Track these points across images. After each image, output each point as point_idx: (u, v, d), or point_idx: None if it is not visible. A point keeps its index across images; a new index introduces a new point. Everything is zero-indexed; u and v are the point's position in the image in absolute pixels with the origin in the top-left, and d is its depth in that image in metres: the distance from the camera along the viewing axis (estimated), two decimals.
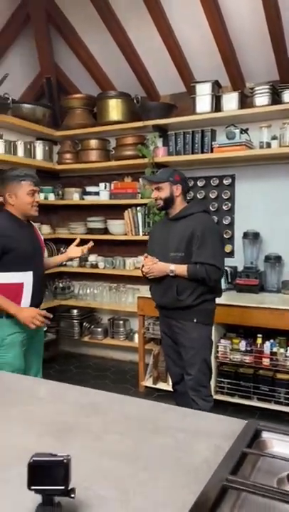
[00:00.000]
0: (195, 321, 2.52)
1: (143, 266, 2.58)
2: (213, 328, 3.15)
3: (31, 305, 2.38)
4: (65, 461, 0.76)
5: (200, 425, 1.13)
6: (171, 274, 2.47)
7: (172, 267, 2.48)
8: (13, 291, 2.31)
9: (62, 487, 0.75)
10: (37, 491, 0.75)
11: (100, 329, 4.38)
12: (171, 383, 2.92)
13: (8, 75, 3.54)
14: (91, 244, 2.75)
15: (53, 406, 1.25)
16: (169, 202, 2.57)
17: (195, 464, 0.95)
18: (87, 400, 1.30)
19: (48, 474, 0.75)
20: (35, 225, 2.69)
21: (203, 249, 2.44)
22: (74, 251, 2.73)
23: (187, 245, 2.47)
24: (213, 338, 3.18)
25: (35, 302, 2.42)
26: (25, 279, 2.35)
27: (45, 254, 2.72)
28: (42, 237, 2.63)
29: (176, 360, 2.68)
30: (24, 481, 0.75)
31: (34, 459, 0.76)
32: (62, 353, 4.78)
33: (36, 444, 1.03)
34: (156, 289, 2.64)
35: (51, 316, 2.39)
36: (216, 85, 3.67)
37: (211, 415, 1.20)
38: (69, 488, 0.76)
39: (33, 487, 0.75)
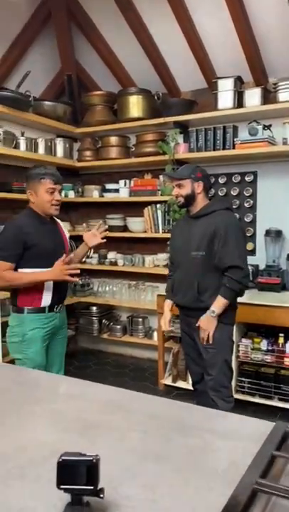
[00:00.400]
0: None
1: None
2: (235, 327, 3.12)
3: (52, 303, 2.39)
4: (94, 460, 0.75)
5: (226, 426, 1.11)
6: (213, 315, 2.42)
7: (212, 308, 2.41)
8: (34, 287, 2.32)
9: (91, 487, 0.74)
10: (66, 490, 0.75)
11: (118, 326, 4.38)
12: (191, 382, 2.90)
13: (29, 73, 3.55)
14: (105, 227, 2.70)
15: (76, 403, 1.24)
16: (190, 199, 2.53)
17: (223, 466, 0.93)
18: (108, 397, 1.29)
19: (76, 473, 0.74)
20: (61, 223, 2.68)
21: (228, 249, 2.39)
22: (92, 239, 2.61)
23: (209, 244, 2.43)
24: (234, 337, 3.16)
25: (57, 299, 2.43)
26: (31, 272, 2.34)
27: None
28: (67, 235, 2.62)
29: (196, 359, 2.65)
30: (53, 479, 0.74)
31: (63, 458, 0.75)
32: (81, 349, 4.80)
33: (62, 441, 1.03)
34: (177, 289, 2.61)
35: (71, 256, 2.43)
36: (238, 81, 3.61)
37: (237, 416, 1.18)
38: (98, 488, 0.75)
39: (62, 486, 0.74)
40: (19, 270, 2.32)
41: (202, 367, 2.60)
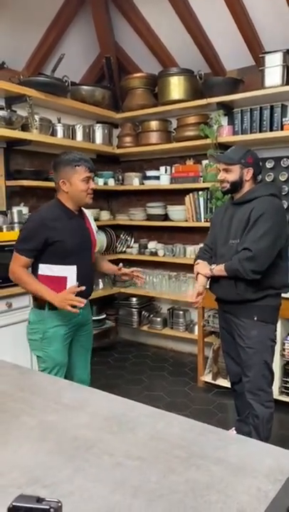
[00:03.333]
0: (255, 318, 2.26)
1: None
2: (280, 324, 2.88)
3: None
4: (51, 510, 0.60)
5: (244, 457, 0.92)
6: (208, 276, 2.34)
7: (212, 266, 2.35)
8: (56, 284, 2.18)
9: None
10: None
11: (158, 319, 4.23)
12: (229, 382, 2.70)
13: (63, 56, 3.43)
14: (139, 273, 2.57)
15: (77, 416, 1.10)
16: (236, 186, 2.32)
17: None
18: (112, 410, 1.14)
19: None
20: (91, 211, 2.53)
21: (251, 235, 2.17)
22: (124, 275, 2.54)
23: (244, 231, 2.23)
24: (279, 335, 2.91)
25: (80, 295, 2.28)
26: (69, 273, 2.21)
27: (97, 248, 2.55)
28: (94, 229, 2.44)
29: (236, 358, 2.45)
30: None
31: (14, 504, 0.61)
32: (121, 340, 4.71)
33: (44, 466, 0.89)
34: (216, 281, 2.40)
35: (83, 288, 2.15)
36: (288, 55, 3.29)
37: (261, 444, 0.99)
38: None
39: None
40: (40, 265, 2.20)
41: (241, 367, 2.40)
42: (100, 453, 0.94)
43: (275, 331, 2.36)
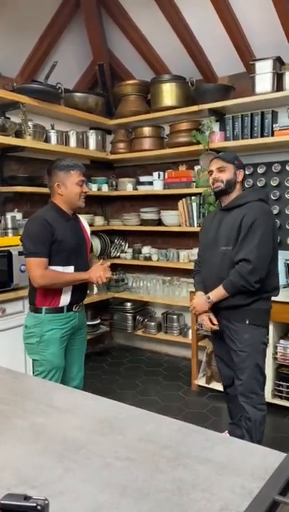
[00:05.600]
0: (247, 322, 2.28)
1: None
2: (272, 327, 2.90)
3: (71, 302, 2.30)
4: (38, 507, 0.62)
5: (229, 456, 0.95)
6: (209, 301, 2.34)
7: (209, 294, 2.34)
8: None
9: None
10: None
11: (153, 323, 4.26)
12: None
13: (56, 63, 3.47)
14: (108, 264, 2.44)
15: (67, 419, 1.12)
16: (230, 186, 2.34)
17: (212, 511, 0.77)
18: (106, 413, 1.16)
19: None
20: (85, 217, 2.60)
21: (247, 243, 2.20)
22: (97, 272, 2.33)
23: (236, 237, 2.25)
24: (271, 338, 2.94)
25: (76, 299, 2.33)
26: (70, 272, 2.27)
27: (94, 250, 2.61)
28: (88, 232, 2.52)
29: (228, 361, 2.48)
30: None
31: (2, 501, 0.63)
32: (115, 345, 4.73)
33: (34, 466, 0.91)
34: (207, 286, 2.42)
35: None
36: (278, 62, 3.35)
37: (247, 444, 1.01)
38: None
39: None
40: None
41: (233, 370, 2.42)
42: (90, 454, 0.96)
43: (267, 334, 2.39)
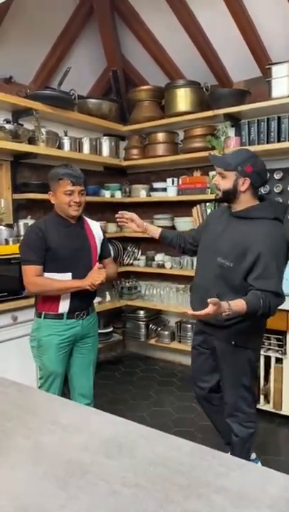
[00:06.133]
0: (233, 343, 2.10)
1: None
2: None
3: (72, 309, 2.27)
4: None
5: (246, 484, 0.87)
6: (227, 312, 1.86)
7: (227, 305, 1.82)
8: None
9: None
10: None
11: (166, 332, 4.17)
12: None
13: (70, 69, 3.45)
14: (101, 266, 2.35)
15: (73, 438, 1.06)
16: (228, 196, 2.06)
17: None
18: (114, 432, 1.09)
19: None
20: (98, 223, 2.54)
21: (271, 274, 1.93)
22: (90, 277, 2.26)
23: (239, 257, 1.99)
24: None
25: (78, 306, 2.29)
26: (62, 280, 2.24)
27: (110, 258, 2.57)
28: (98, 238, 2.43)
29: (204, 377, 2.36)
30: None
31: None
32: (128, 354, 4.65)
33: (32, 493, 0.85)
34: (195, 294, 2.25)
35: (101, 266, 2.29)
36: None
37: (266, 472, 0.93)
38: None
39: None
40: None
41: (207, 386, 2.36)
42: (95, 479, 0.89)
43: (257, 354, 2.24)
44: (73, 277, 2.25)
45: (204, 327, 2.25)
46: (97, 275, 2.22)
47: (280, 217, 2.07)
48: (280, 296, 1.93)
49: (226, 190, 2.06)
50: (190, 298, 2.39)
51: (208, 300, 1.79)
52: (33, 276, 2.18)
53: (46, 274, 2.22)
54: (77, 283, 2.22)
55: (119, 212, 2.48)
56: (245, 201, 2.07)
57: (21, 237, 3.24)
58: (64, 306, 2.25)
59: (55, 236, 2.22)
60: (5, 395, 1.30)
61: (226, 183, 2.05)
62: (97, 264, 2.33)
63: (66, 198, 2.22)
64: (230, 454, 2.22)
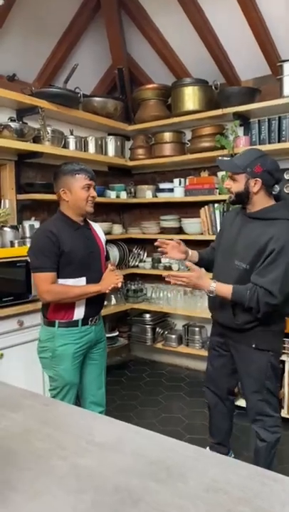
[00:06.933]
0: (253, 346, 2.08)
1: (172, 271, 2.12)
2: None
3: (86, 315, 2.17)
4: None
5: None
6: (210, 295, 2.01)
7: (212, 286, 1.99)
8: None
9: None
10: None
11: (173, 336, 4.08)
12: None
13: (77, 66, 3.36)
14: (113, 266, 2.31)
15: (114, 459, 0.96)
16: (242, 198, 2.05)
17: None
18: (157, 452, 0.99)
19: None
20: (103, 225, 2.47)
21: (271, 271, 1.92)
22: (108, 280, 2.20)
23: (255, 258, 1.98)
24: None
25: (92, 311, 2.20)
26: (79, 285, 2.14)
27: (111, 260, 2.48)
28: (103, 240, 2.37)
29: (221, 379, 2.34)
30: None
31: None
32: (134, 358, 4.56)
33: None
34: (213, 302, 2.21)
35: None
36: None
37: None
38: None
39: None
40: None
41: (225, 391, 2.36)
42: (150, 508, 0.79)
43: (279, 357, 2.18)
44: (87, 281, 2.16)
45: (224, 330, 2.21)
46: (115, 277, 2.15)
47: None
48: (272, 295, 1.90)
49: (239, 193, 2.04)
50: (208, 304, 2.32)
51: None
52: (48, 284, 2.06)
53: (60, 281, 2.11)
54: (95, 287, 2.14)
55: (159, 240, 2.32)
56: (259, 202, 2.05)
57: (26, 239, 3.14)
58: (79, 313, 2.15)
59: (68, 239, 2.11)
60: (31, 410, 1.20)
61: (237, 186, 2.03)
62: (110, 265, 2.27)
63: (84, 193, 2.14)
64: (255, 460, 2.18)
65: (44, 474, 0.91)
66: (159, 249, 2.37)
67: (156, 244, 2.35)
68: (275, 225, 1.97)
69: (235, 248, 2.07)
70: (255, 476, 0.89)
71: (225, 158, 2.46)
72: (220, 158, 2.45)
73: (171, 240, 2.29)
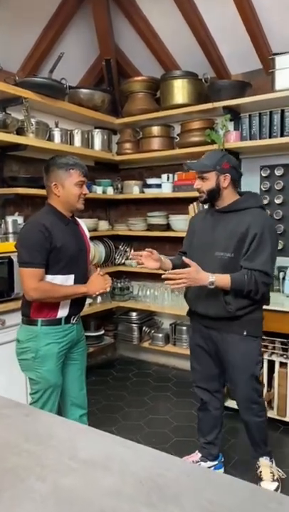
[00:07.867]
0: (245, 333, 2.15)
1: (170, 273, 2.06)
2: None
3: (69, 314, 2.09)
4: None
5: None
6: (210, 287, 2.02)
7: (212, 278, 2.01)
8: None
9: None
10: None
11: (160, 335, 4.00)
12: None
13: (63, 54, 3.23)
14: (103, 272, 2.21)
15: (100, 478, 0.87)
16: (213, 195, 2.18)
17: None
18: (147, 469, 0.90)
19: None
20: (89, 221, 2.38)
21: (260, 254, 2.05)
22: (97, 284, 2.12)
23: (238, 244, 2.09)
24: None
25: (75, 309, 2.13)
26: (67, 283, 2.07)
27: (91, 255, 2.39)
28: (88, 237, 2.31)
29: (209, 376, 2.39)
30: None
31: None
32: (120, 358, 4.47)
33: None
34: (196, 295, 2.23)
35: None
36: None
37: None
38: None
39: None
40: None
41: (230, 384, 2.38)
42: None
43: (260, 344, 2.29)
44: (75, 280, 2.08)
45: (210, 322, 2.22)
46: (104, 282, 2.09)
47: (263, 205, 2.27)
48: (268, 275, 2.05)
49: (210, 190, 2.16)
50: (188, 296, 2.34)
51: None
52: (36, 280, 1.95)
53: (48, 277, 2.01)
54: (81, 289, 2.06)
55: (132, 253, 2.35)
56: (228, 196, 2.20)
57: (9, 235, 3.02)
58: (63, 311, 2.07)
59: (59, 234, 2.02)
60: (10, 420, 1.10)
61: (208, 184, 2.16)
62: (99, 270, 2.22)
63: (77, 189, 2.07)
64: (252, 446, 2.34)
65: (20, 497, 0.81)
66: (134, 261, 2.39)
67: (130, 257, 2.42)
68: (249, 213, 2.13)
69: (213, 242, 2.17)
70: (256, 496, 0.81)
71: (192, 161, 2.52)
72: (188, 162, 2.52)
73: (143, 250, 2.31)
